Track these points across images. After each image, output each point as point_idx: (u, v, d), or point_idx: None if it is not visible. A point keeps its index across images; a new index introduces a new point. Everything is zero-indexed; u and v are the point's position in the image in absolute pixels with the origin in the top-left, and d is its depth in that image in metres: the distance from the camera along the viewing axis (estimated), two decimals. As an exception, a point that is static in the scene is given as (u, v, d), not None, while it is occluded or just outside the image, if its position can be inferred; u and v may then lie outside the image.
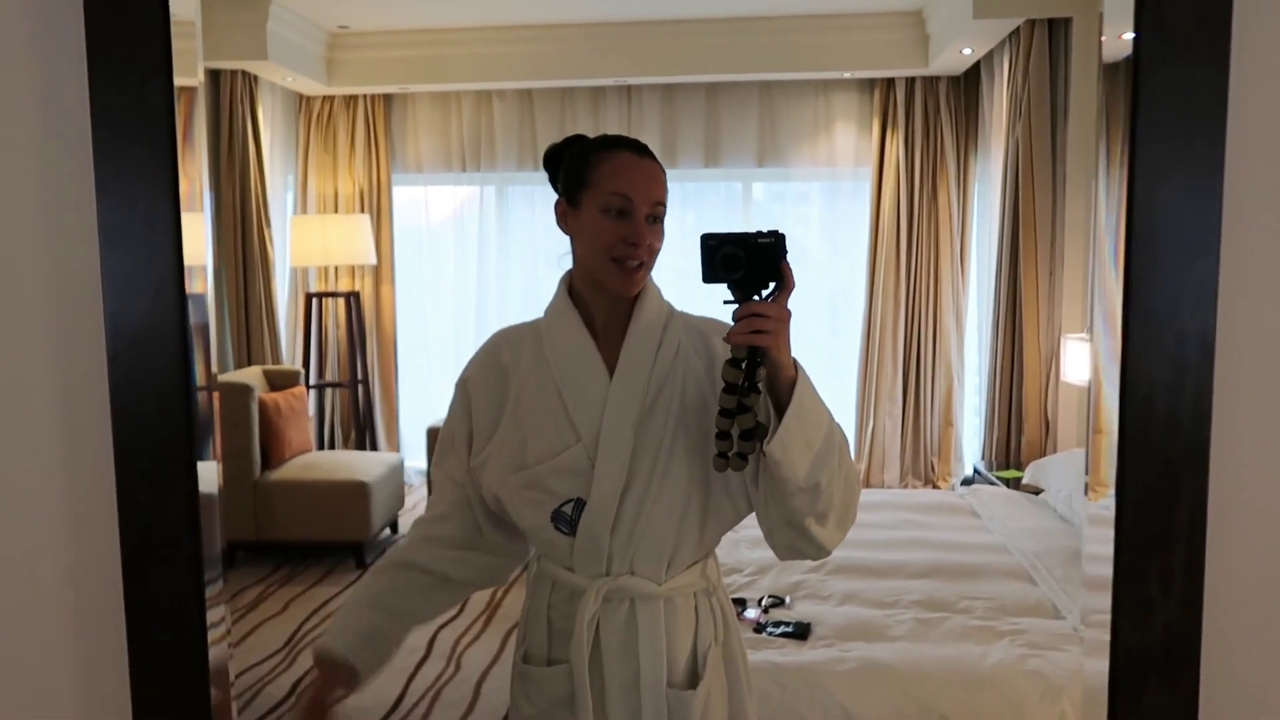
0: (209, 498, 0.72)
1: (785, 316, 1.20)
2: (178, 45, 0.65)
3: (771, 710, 2.21)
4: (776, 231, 1.22)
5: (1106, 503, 0.68)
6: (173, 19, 0.65)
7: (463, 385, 1.48)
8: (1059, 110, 4.64)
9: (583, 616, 1.37)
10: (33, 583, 0.78)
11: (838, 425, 1.32)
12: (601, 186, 1.35)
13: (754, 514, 1.39)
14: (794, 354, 1.23)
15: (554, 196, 1.46)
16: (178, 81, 0.68)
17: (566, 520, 1.38)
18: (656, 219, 1.36)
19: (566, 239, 1.44)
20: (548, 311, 1.46)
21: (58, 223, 0.72)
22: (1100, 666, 0.70)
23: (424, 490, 5.93)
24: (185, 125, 0.67)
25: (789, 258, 1.22)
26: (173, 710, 0.69)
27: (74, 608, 0.76)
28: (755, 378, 1.22)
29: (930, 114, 5.82)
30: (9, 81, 0.72)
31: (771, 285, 1.21)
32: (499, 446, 1.41)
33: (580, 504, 1.37)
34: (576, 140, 1.44)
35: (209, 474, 0.71)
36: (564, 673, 1.40)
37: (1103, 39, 0.67)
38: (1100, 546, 0.68)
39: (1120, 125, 0.66)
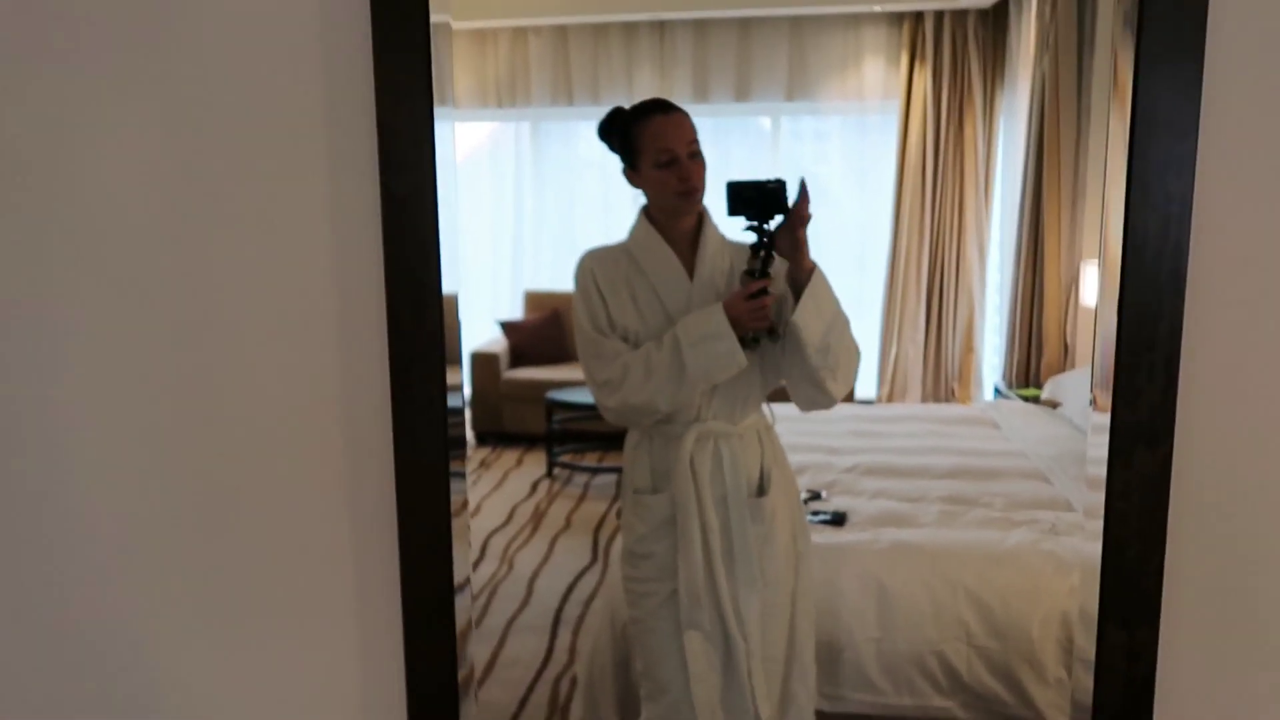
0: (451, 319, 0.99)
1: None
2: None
3: (813, 581, 2.49)
4: (780, 180, 1.76)
5: (1103, 418, 0.93)
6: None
7: (589, 285, 1.94)
8: (1085, 42, 4.76)
9: (683, 453, 1.88)
10: (311, 384, 1.04)
11: (843, 311, 1.90)
12: (648, 149, 1.87)
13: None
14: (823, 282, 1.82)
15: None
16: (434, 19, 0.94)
17: None
18: (694, 154, 1.86)
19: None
20: (635, 234, 1.96)
21: (341, 120, 0.97)
22: (1096, 548, 0.96)
23: (466, 415, 6.21)
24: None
25: (794, 193, 1.77)
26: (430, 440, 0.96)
27: (342, 380, 1.02)
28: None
29: (959, 47, 5.92)
30: (300, 29, 0.97)
31: (779, 217, 1.76)
32: (620, 325, 1.89)
33: None
34: (616, 114, 1.93)
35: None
36: (666, 498, 1.92)
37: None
38: (1098, 451, 0.94)
39: (1129, 46, 0.89)
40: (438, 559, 0.96)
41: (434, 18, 0.92)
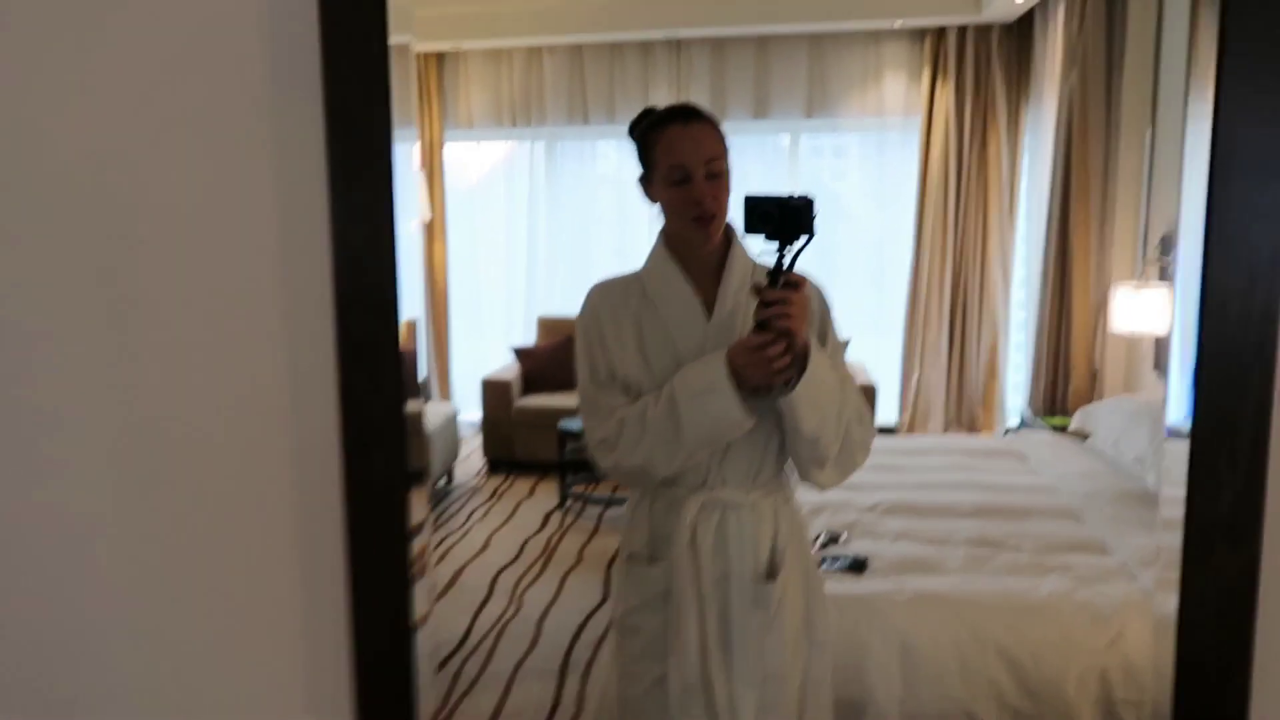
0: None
1: (805, 306, 1.46)
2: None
3: (829, 672, 2.32)
4: (807, 196, 1.44)
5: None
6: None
7: (590, 329, 1.63)
8: (1115, 58, 4.62)
9: (684, 522, 1.59)
10: (261, 466, 0.92)
11: (854, 392, 1.59)
12: (661, 162, 1.54)
13: None
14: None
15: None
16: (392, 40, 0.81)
17: None
18: (715, 175, 1.54)
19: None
20: (649, 263, 1.65)
21: (289, 164, 0.86)
22: (1172, 600, 0.79)
23: (478, 441, 6.08)
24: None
25: (817, 215, 1.45)
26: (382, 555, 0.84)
27: (297, 484, 0.91)
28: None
29: (981, 62, 5.79)
30: (247, 45, 0.86)
31: (803, 239, 1.44)
32: (621, 375, 1.61)
33: None
34: (645, 115, 1.62)
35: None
36: (663, 570, 1.63)
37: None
38: (1175, 490, 0.77)
39: (1202, 63, 0.75)
40: (391, 599, 0.83)
41: (393, 39, 0.79)
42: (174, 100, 0.92)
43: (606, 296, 1.64)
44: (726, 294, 1.58)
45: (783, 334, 1.45)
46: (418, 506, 0.91)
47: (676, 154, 1.52)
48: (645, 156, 1.58)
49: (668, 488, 1.62)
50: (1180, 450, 0.76)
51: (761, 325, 1.45)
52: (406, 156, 0.85)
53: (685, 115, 1.55)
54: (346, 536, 0.87)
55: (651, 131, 1.56)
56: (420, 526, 0.93)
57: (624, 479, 1.62)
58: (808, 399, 1.49)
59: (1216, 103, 0.69)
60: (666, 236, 1.62)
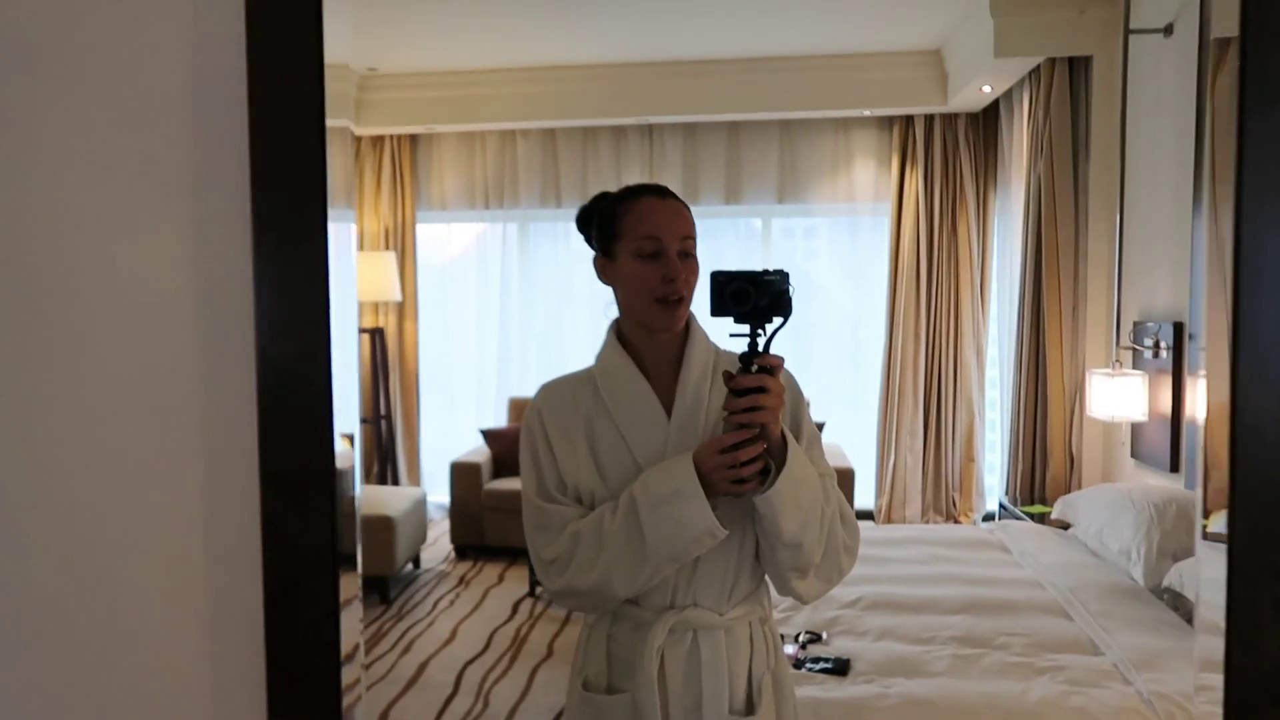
0: (347, 519, 0.77)
1: (781, 394, 1.33)
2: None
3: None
4: (781, 270, 1.33)
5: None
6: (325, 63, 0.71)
7: (535, 435, 1.48)
8: (1080, 146, 4.69)
9: (650, 647, 1.41)
10: (180, 602, 0.82)
11: (836, 490, 1.45)
12: (631, 233, 1.41)
13: None
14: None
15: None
16: (330, 124, 0.74)
17: None
18: (687, 254, 1.43)
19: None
20: (600, 359, 1.50)
21: (214, 261, 0.78)
22: (1212, 711, 0.70)
23: (446, 525, 5.92)
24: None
25: (793, 292, 1.34)
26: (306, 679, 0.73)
27: (214, 630, 0.80)
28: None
29: (949, 150, 5.88)
30: (172, 129, 0.79)
31: (777, 320, 1.32)
32: (572, 485, 1.45)
33: None
34: (600, 199, 1.51)
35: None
36: (625, 701, 1.44)
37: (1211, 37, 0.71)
38: (1212, 594, 0.68)
39: (1220, 166, 0.69)
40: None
41: (331, 122, 0.72)
42: (93, 202, 0.85)
43: (553, 398, 1.48)
44: (687, 387, 1.43)
45: (757, 429, 1.30)
46: (349, 631, 0.81)
47: (651, 225, 1.40)
48: (610, 229, 1.44)
49: (633, 606, 1.45)
50: (1211, 553, 0.68)
51: (736, 421, 1.31)
52: (347, 247, 0.78)
53: (660, 191, 1.46)
54: (268, 684, 0.77)
55: (622, 203, 1.44)
56: (353, 652, 0.83)
57: (578, 604, 1.43)
58: (788, 498, 1.33)
59: (1238, 212, 0.64)
60: (620, 328, 1.50)
